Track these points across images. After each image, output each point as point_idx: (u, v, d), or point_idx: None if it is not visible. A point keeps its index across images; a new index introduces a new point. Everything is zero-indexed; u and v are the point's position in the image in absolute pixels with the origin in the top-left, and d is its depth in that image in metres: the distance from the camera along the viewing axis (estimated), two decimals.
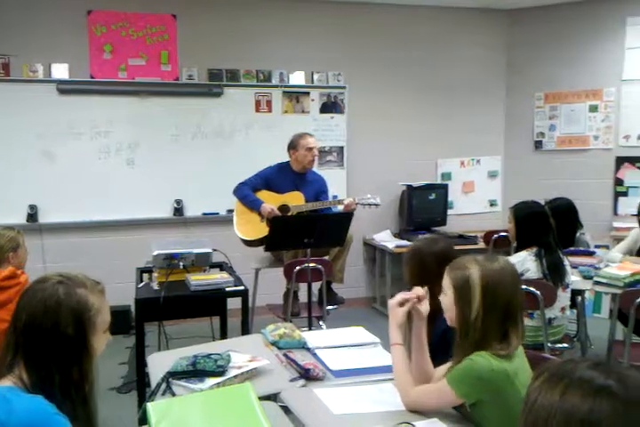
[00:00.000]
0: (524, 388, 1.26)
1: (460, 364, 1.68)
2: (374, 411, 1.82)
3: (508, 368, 1.63)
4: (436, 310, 1.94)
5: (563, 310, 3.23)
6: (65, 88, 4.71)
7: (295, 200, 4.20)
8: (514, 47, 5.93)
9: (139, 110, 4.90)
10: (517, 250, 3.31)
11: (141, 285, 3.36)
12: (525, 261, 3.17)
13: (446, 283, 1.79)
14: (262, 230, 4.00)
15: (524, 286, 3.00)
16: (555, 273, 3.16)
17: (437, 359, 1.94)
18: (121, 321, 4.58)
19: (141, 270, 3.65)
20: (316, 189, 4.34)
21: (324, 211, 4.18)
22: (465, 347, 1.72)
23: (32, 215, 4.69)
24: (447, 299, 1.79)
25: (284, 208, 4.19)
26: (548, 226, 3.28)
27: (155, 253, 3.25)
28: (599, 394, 0.90)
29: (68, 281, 1.41)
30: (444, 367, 1.84)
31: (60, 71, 4.75)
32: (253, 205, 4.20)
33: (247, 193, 4.24)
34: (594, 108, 5.59)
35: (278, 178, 4.27)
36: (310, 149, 4.26)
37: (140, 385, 3.06)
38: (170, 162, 4.99)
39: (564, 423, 0.91)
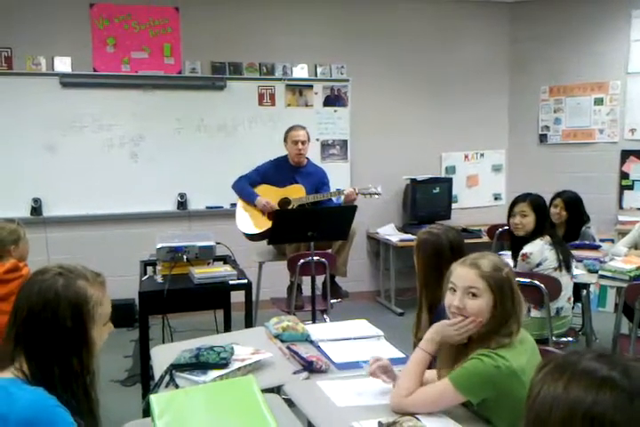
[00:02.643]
0: None
1: (464, 363, 1.66)
2: (377, 404, 1.81)
3: (515, 365, 1.60)
4: (436, 301, 1.93)
5: (569, 299, 3.23)
6: (68, 81, 4.70)
7: (296, 193, 4.17)
8: (518, 40, 5.88)
9: (142, 104, 4.89)
10: (529, 240, 3.25)
11: (145, 278, 3.36)
12: (544, 251, 3.17)
13: (481, 286, 1.67)
14: (264, 224, 3.99)
15: (527, 280, 3.04)
16: (567, 262, 3.19)
17: None
18: (125, 314, 4.59)
19: (145, 263, 3.66)
20: (316, 182, 4.30)
21: (326, 202, 4.15)
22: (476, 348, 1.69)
23: (36, 209, 4.69)
24: (481, 303, 1.67)
25: (284, 201, 4.18)
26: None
27: (158, 246, 3.25)
28: (603, 386, 0.88)
29: (68, 273, 1.40)
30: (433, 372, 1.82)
31: (63, 64, 4.74)
32: (249, 199, 4.18)
33: (243, 186, 4.23)
34: (599, 102, 5.55)
35: (276, 172, 4.24)
36: (296, 142, 4.20)
37: (144, 378, 3.07)
38: (173, 155, 4.99)
39: (567, 416, 0.89)
